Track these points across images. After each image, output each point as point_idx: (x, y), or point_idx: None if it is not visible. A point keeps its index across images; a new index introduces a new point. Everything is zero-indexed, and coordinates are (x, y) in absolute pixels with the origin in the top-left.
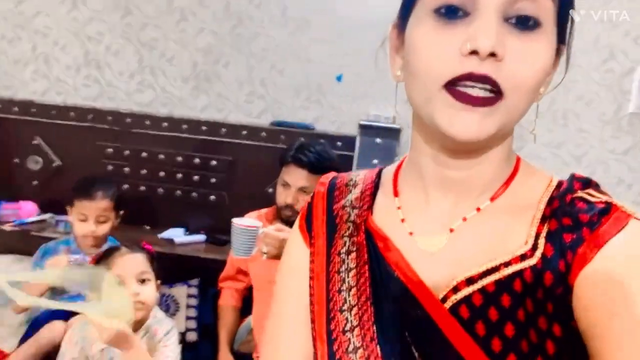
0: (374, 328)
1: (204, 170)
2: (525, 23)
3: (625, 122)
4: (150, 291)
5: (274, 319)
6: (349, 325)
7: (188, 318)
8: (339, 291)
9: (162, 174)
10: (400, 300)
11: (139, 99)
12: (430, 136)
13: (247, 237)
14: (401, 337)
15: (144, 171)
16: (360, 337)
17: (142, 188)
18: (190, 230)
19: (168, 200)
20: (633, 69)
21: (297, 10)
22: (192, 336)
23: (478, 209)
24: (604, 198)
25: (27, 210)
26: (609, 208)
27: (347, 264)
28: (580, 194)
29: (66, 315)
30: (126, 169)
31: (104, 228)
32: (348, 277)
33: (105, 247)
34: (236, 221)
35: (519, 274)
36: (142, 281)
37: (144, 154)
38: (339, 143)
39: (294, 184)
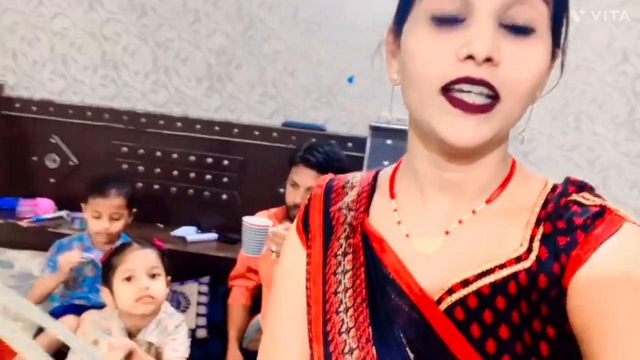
0: (370, 329)
1: (216, 170)
2: (520, 28)
3: (639, 125)
4: (159, 286)
5: (272, 320)
6: (345, 326)
7: (198, 315)
8: (335, 293)
9: (175, 173)
10: (395, 302)
11: (154, 99)
12: (427, 139)
13: (257, 235)
14: (396, 338)
15: (157, 170)
16: (356, 339)
17: (156, 187)
18: (202, 229)
19: (181, 199)
20: None
21: (308, 12)
22: (202, 333)
23: (474, 212)
24: (598, 201)
25: (44, 207)
26: (602, 211)
27: (344, 265)
28: (574, 197)
29: (79, 310)
30: (140, 168)
31: (118, 225)
32: (344, 278)
33: (118, 244)
34: (247, 220)
35: (513, 276)
36: (153, 276)
37: (158, 153)
38: (349, 144)
39: (303, 184)
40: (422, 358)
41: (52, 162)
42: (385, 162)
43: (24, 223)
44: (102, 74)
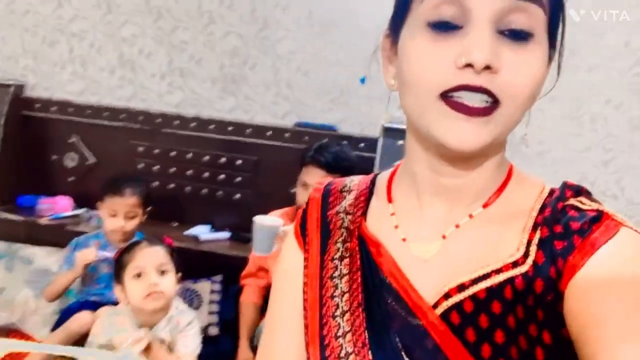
0: (366, 334)
1: (229, 170)
2: (518, 34)
3: None
4: (168, 282)
5: (269, 322)
6: (341, 330)
7: (210, 313)
8: (332, 297)
9: (189, 172)
10: (392, 307)
11: (170, 99)
12: (425, 144)
13: (267, 235)
14: (392, 343)
15: (172, 169)
16: (352, 343)
17: (171, 186)
18: (215, 228)
19: (195, 198)
20: None
21: (321, 13)
22: (213, 330)
23: (470, 216)
24: (595, 206)
25: (63, 205)
26: (600, 216)
27: (340, 270)
28: (571, 201)
29: (95, 306)
30: (156, 167)
31: (133, 223)
32: (341, 283)
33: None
34: (257, 219)
35: (510, 281)
36: (162, 273)
37: (173, 153)
38: (362, 145)
39: (313, 184)
40: None
41: (70, 161)
42: (397, 163)
43: (43, 220)
44: (119, 75)
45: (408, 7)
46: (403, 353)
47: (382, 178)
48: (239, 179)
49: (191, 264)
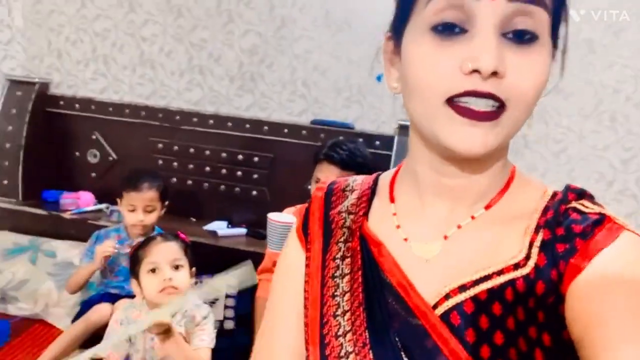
0: (367, 334)
1: (246, 167)
2: (522, 37)
3: None
4: (183, 277)
5: (268, 320)
6: (341, 330)
7: (226, 307)
8: (333, 296)
9: (207, 169)
10: (392, 306)
11: (188, 97)
12: (428, 144)
13: (281, 231)
14: (392, 342)
15: (191, 166)
16: (353, 342)
17: (189, 182)
18: (233, 223)
19: (213, 194)
20: None
21: (338, 12)
22: (229, 324)
23: (473, 217)
24: (597, 209)
25: (85, 200)
26: (602, 219)
27: (342, 269)
28: (574, 204)
29: (114, 298)
30: (175, 164)
31: (152, 217)
32: (342, 282)
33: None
34: (271, 216)
35: (511, 282)
36: (176, 267)
37: (192, 150)
38: (377, 142)
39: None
40: None
41: (93, 157)
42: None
43: (66, 215)
44: (140, 73)
45: (410, 11)
46: (403, 353)
47: (385, 178)
48: (255, 175)
49: (209, 259)
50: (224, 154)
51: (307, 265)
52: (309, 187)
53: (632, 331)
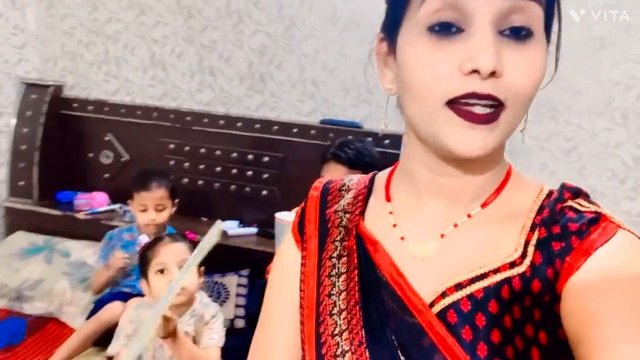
0: (363, 332)
1: (256, 166)
2: (518, 34)
3: None
4: (191, 277)
5: (264, 319)
6: (338, 329)
7: (237, 306)
8: (329, 295)
9: (218, 169)
10: (388, 305)
11: (200, 98)
12: (425, 145)
13: (288, 231)
14: (389, 341)
15: (202, 166)
16: (349, 341)
17: (200, 182)
18: (243, 223)
19: (223, 194)
20: None
21: (346, 11)
22: (239, 323)
23: (469, 216)
24: (593, 208)
25: (99, 201)
26: (598, 218)
27: (338, 268)
28: (570, 203)
29: (126, 297)
30: (186, 164)
31: (163, 216)
32: (338, 281)
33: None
34: (279, 216)
35: (507, 281)
36: None
37: (203, 150)
38: (386, 141)
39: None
40: None
41: (106, 158)
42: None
43: (80, 215)
44: (151, 75)
45: (404, 11)
46: (399, 351)
47: (381, 177)
48: (265, 175)
49: (219, 258)
50: (234, 154)
51: (303, 265)
52: None
53: (628, 330)
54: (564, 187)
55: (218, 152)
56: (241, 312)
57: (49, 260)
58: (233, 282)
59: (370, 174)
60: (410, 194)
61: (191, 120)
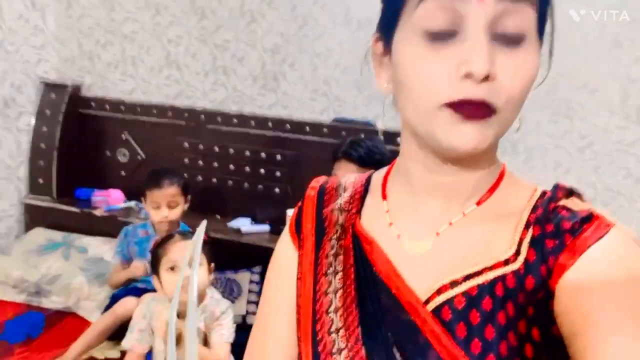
0: (359, 330)
1: (269, 165)
2: (512, 38)
3: None
4: (201, 274)
5: (261, 317)
6: (334, 326)
7: (249, 302)
8: (326, 293)
9: (231, 167)
10: (384, 302)
11: (213, 97)
12: (422, 143)
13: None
14: (384, 338)
15: (215, 164)
16: (345, 339)
17: (214, 180)
18: (256, 220)
19: (237, 192)
20: None
21: (359, 10)
22: (252, 319)
23: (463, 214)
24: (586, 207)
25: (116, 198)
26: (590, 216)
27: (334, 266)
28: (563, 202)
29: (140, 292)
30: (200, 162)
31: (176, 212)
32: (335, 279)
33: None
34: (290, 213)
35: (501, 278)
36: None
37: (216, 149)
38: (398, 139)
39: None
40: (408, 358)
41: (122, 156)
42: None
43: (97, 212)
44: (166, 74)
45: (400, 12)
46: (395, 348)
47: (378, 176)
48: (278, 173)
49: (232, 255)
50: (247, 152)
51: (299, 263)
52: None
53: (621, 327)
54: (557, 187)
55: (231, 151)
56: (253, 308)
57: (66, 256)
58: (246, 278)
59: (368, 173)
60: (407, 192)
61: (205, 119)
